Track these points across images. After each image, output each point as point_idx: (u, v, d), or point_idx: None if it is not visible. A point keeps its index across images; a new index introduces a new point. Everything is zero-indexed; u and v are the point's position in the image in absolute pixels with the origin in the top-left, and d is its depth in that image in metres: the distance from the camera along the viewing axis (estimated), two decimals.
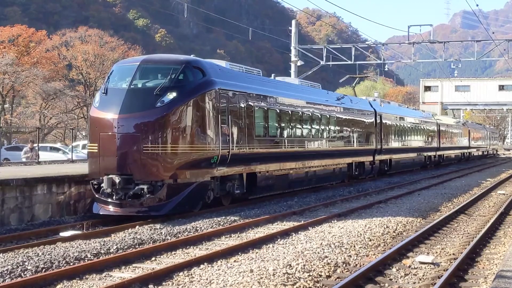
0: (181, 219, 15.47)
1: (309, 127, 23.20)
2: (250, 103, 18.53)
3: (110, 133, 15.23)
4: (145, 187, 15.04)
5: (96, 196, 15.60)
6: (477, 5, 36.37)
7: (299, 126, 22.29)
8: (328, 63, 44.29)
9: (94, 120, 15.83)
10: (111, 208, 15.26)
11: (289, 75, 37.42)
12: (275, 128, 20.47)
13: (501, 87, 77.14)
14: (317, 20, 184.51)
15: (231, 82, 17.74)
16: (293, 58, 39.44)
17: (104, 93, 16.02)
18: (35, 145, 29.39)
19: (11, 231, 13.95)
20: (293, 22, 41.44)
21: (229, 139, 17.08)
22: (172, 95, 15.42)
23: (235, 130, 17.52)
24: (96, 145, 15.57)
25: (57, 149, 35.62)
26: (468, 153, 59.88)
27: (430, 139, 43.18)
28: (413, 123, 39.26)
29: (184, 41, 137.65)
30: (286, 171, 21.16)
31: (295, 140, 21.93)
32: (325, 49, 43.54)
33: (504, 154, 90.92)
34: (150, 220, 14.91)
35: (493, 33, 48.27)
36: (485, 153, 72.95)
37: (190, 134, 15.79)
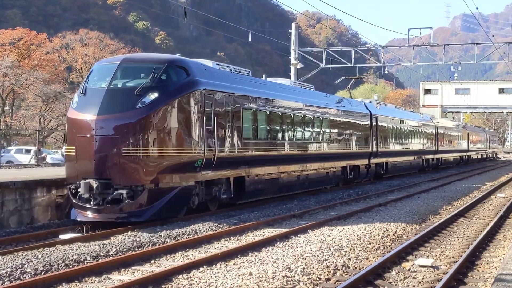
0: (180, 222, 15.45)
1: (301, 129, 22.50)
2: (237, 104, 17.87)
3: (88, 135, 14.60)
4: (124, 192, 14.40)
5: (74, 201, 14.91)
6: (477, 8, 36.47)
7: (290, 128, 21.60)
8: (328, 66, 44.29)
9: (72, 121, 15.18)
10: (89, 214, 14.61)
11: (289, 77, 37.39)
12: (264, 131, 19.79)
13: (501, 90, 77.21)
14: (317, 23, 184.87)
15: (218, 83, 17.09)
16: (293, 61, 39.47)
17: (82, 93, 15.35)
18: (34, 148, 29.54)
19: (10, 234, 13.95)
20: (293, 24, 41.47)
21: (214, 142, 16.41)
22: (153, 96, 14.78)
23: (221, 133, 16.85)
24: (73, 147, 14.91)
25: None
26: (467, 156, 59.70)
27: (428, 142, 42.67)
28: (411, 125, 38.74)
29: (184, 44, 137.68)
30: (276, 175, 20.50)
31: (286, 143, 21.23)
32: (325, 51, 43.60)
33: (504, 157, 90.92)
34: (150, 223, 14.88)
35: (493, 36, 48.40)
36: (485, 156, 72.87)
37: (173, 137, 15.16)
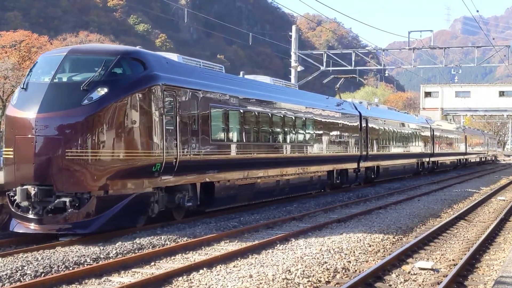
0: (180, 225, 15.47)
1: (280, 131, 20.77)
2: (205, 102, 16.28)
3: (27, 136, 13.08)
4: (67, 200, 12.87)
5: (13, 210, 13.32)
6: (478, 11, 36.58)
7: (268, 129, 19.90)
8: (328, 68, 44.30)
9: (10, 120, 13.69)
10: (31, 225, 13.05)
11: (289, 80, 37.46)
12: (237, 131, 18.17)
13: (502, 93, 77.27)
14: (318, 26, 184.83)
15: (182, 78, 15.57)
16: (293, 64, 39.51)
17: (23, 88, 13.85)
18: None
19: (10, 236, 13.94)
20: (293, 27, 41.52)
21: (176, 144, 14.84)
22: (103, 91, 13.29)
23: (184, 134, 15.25)
24: (12, 149, 13.40)
25: None
26: (464, 159, 58.94)
27: (423, 144, 41.60)
28: (404, 127, 37.64)
29: (184, 46, 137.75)
30: (251, 180, 18.87)
31: (263, 145, 19.58)
32: (325, 54, 43.60)
33: (504, 160, 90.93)
34: (150, 225, 14.88)
35: (494, 39, 48.49)
36: (483, 159, 72.55)
37: (125, 137, 13.65)
